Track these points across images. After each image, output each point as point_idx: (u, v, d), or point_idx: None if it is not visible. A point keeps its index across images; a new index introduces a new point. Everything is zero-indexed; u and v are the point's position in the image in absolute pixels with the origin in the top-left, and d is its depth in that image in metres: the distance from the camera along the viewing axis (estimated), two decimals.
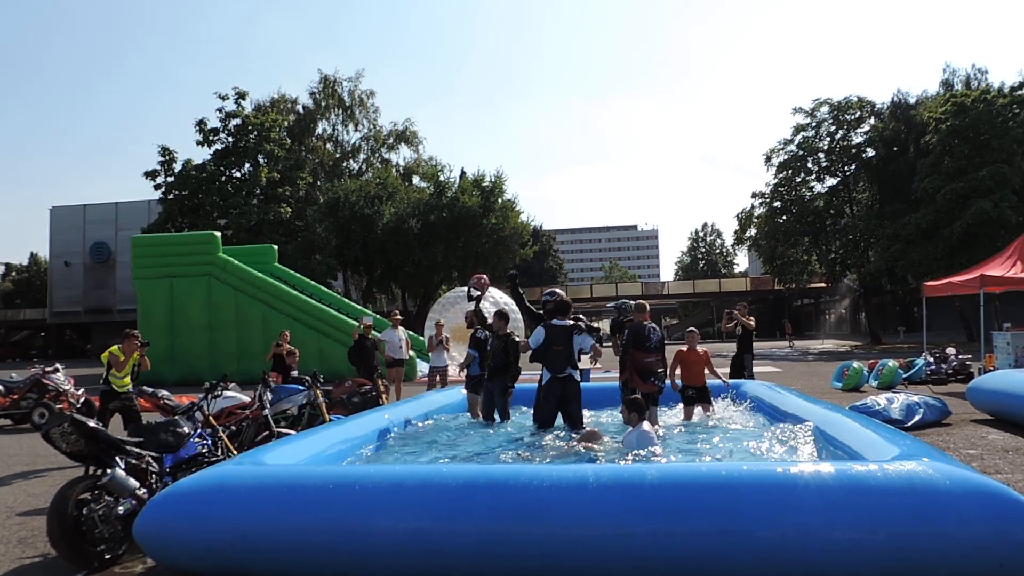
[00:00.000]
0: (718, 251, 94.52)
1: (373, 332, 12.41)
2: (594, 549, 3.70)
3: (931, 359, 15.29)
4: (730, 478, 3.83)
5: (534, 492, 3.88)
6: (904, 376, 14.48)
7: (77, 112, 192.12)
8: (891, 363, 14.75)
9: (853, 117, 38.78)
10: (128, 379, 8.34)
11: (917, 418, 9.27)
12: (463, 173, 44.38)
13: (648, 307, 7.77)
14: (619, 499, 3.79)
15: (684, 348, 8.38)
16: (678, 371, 7.79)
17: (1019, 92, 32.39)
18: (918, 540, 3.56)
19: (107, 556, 4.52)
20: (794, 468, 3.90)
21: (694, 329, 8.75)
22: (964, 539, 3.55)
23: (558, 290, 6.93)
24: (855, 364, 15.02)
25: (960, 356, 15.57)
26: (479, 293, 8.78)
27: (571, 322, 7.20)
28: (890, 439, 4.80)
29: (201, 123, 37.29)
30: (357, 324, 12.87)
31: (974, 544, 3.54)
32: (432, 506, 3.90)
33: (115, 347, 8.37)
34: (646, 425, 6.21)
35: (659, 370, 7.41)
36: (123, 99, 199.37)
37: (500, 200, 40.18)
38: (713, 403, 8.44)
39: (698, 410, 8.28)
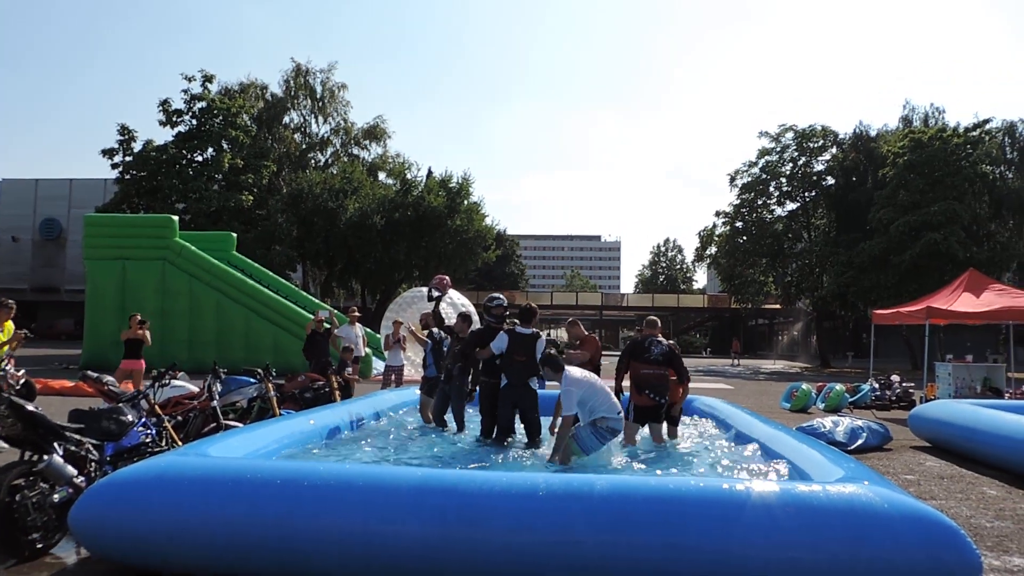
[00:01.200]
0: (678, 267, 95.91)
1: (326, 326, 12.08)
2: (540, 555, 3.72)
3: (876, 385, 15.73)
4: (677, 492, 3.89)
5: (484, 497, 3.87)
6: (850, 400, 14.85)
7: (34, 83, 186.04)
8: (838, 387, 15.12)
9: (816, 145, 39.75)
10: (3, 352, 7.92)
11: (860, 442, 9.51)
12: (430, 172, 44.23)
13: (659, 323, 7.77)
14: (567, 507, 3.81)
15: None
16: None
17: (973, 133, 33.62)
18: (855, 561, 3.64)
19: (39, 545, 4.36)
20: (740, 485, 3.96)
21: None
22: (899, 562, 3.65)
23: (501, 295, 6.87)
24: (804, 386, 15.35)
25: (904, 384, 16.06)
26: (439, 294, 8.72)
27: (534, 330, 7.25)
28: (834, 461, 4.92)
29: (165, 103, 36.46)
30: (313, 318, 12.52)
31: (908, 567, 3.64)
32: (380, 507, 3.87)
33: None
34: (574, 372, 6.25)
35: (657, 384, 7.26)
36: (85, 74, 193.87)
37: (466, 202, 40.14)
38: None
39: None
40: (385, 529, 3.80)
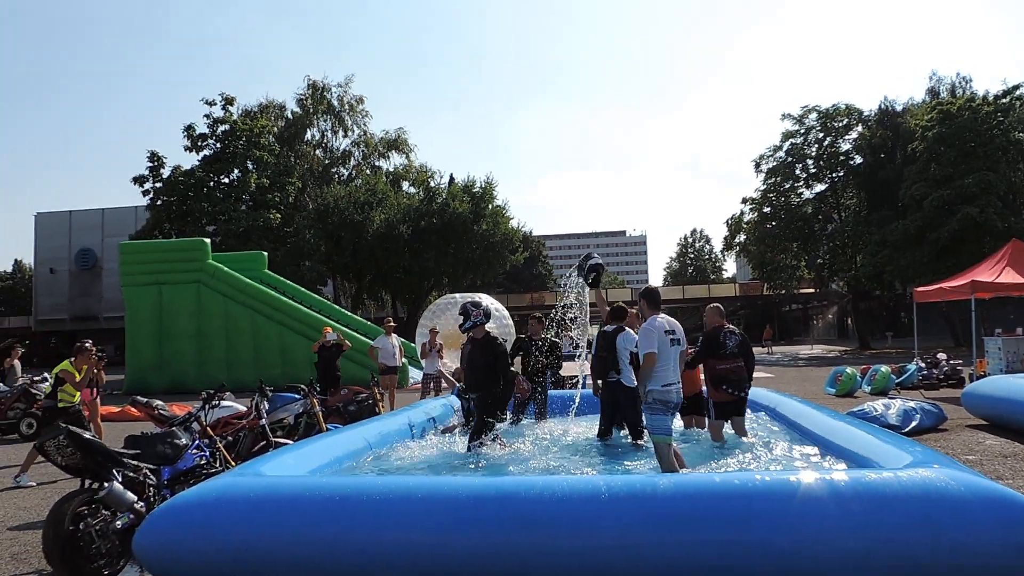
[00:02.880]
0: (707, 257, 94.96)
1: (330, 340, 12.19)
2: (605, 559, 3.64)
3: (923, 364, 15.35)
4: (743, 488, 3.79)
5: (544, 504, 3.81)
6: (896, 381, 14.52)
7: (63, 117, 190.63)
8: (884, 368, 14.80)
9: (841, 124, 39.07)
10: (78, 395, 8.10)
11: (914, 424, 9.29)
12: (452, 179, 44.29)
13: (721, 309, 7.43)
14: (631, 509, 3.73)
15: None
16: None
17: (1003, 100, 32.75)
18: (935, 549, 3.51)
19: (105, 572, 4.41)
20: (808, 477, 3.85)
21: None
22: (980, 547, 3.51)
23: (483, 301, 6.96)
24: (848, 370, 15.06)
25: (951, 361, 15.65)
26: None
27: (615, 327, 7.32)
28: (899, 446, 4.78)
29: (189, 128, 37.04)
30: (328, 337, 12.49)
31: (988, 551, 3.51)
32: (441, 517, 3.83)
33: (67, 363, 8.05)
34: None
35: (735, 378, 7.03)
36: (110, 104, 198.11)
37: (490, 206, 40.15)
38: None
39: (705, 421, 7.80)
40: (447, 540, 3.75)
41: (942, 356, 15.85)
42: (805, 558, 3.55)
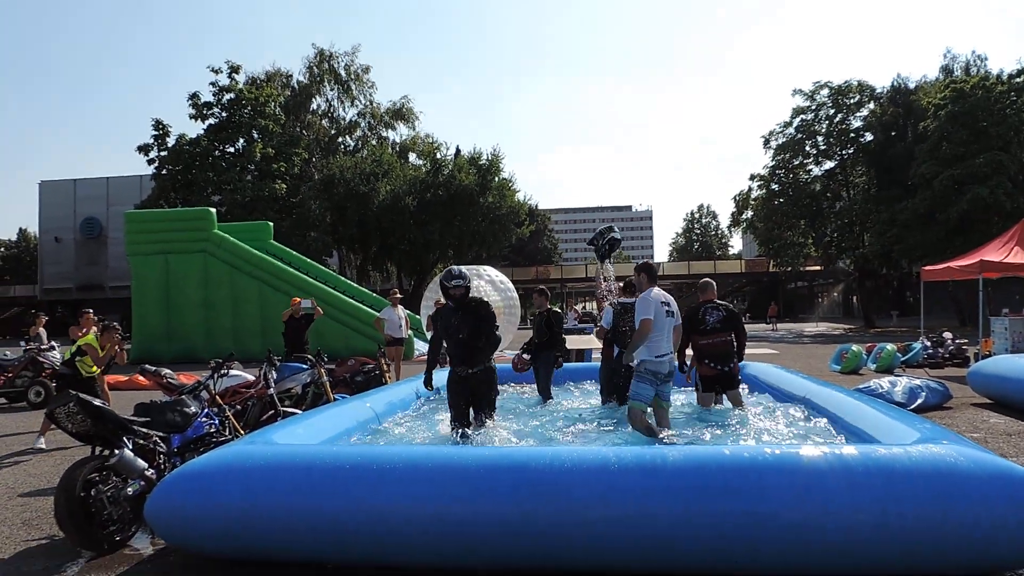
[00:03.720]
0: (713, 233, 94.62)
1: (305, 312, 11.37)
2: (615, 531, 3.67)
3: (928, 343, 15.31)
4: (753, 461, 3.79)
5: (554, 474, 3.82)
6: (902, 360, 14.50)
7: (67, 85, 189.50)
8: (889, 346, 14.77)
9: (852, 101, 38.60)
10: (97, 370, 8.13)
11: (920, 401, 9.29)
12: (458, 151, 44.03)
13: (713, 286, 7.50)
14: (641, 480, 3.75)
15: None
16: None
17: (1017, 80, 32.27)
18: (943, 524, 3.53)
19: (116, 538, 4.46)
20: (817, 450, 3.86)
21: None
22: (989, 522, 3.52)
23: (463, 269, 6.56)
24: (854, 347, 15.04)
25: (956, 340, 15.61)
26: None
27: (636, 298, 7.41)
28: (908, 422, 4.77)
29: (194, 97, 36.77)
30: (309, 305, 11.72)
31: (996, 527, 3.52)
32: (451, 487, 3.85)
33: (92, 337, 8.05)
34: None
35: (717, 352, 7.13)
36: (114, 73, 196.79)
37: (497, 179, 39.93)
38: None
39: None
40: (457, 509, 3.77)
41: (947, 335, 15.81)
42: (814, 531, 3.56)
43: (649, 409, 6.19)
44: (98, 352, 7.94)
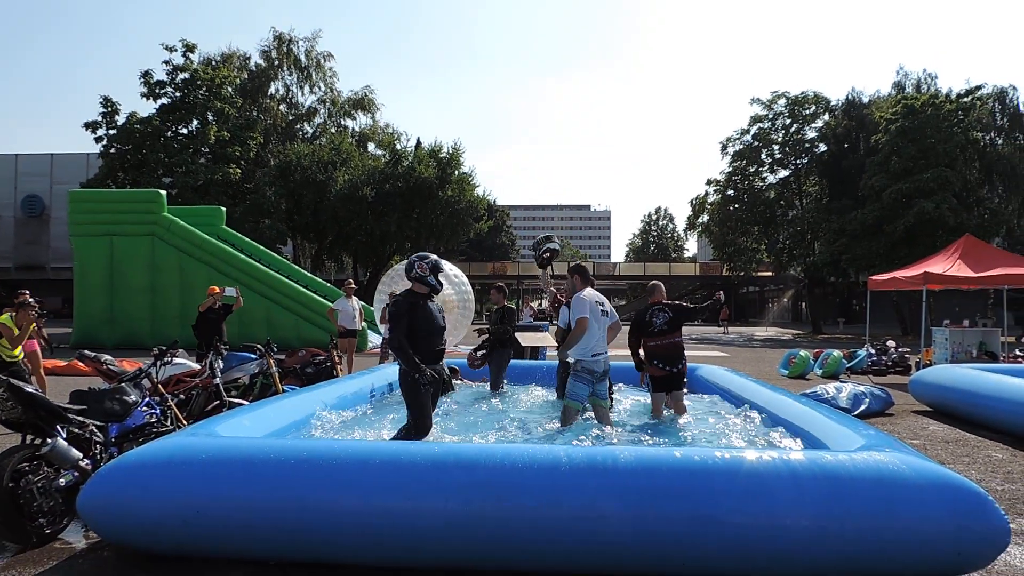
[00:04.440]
0: (669, 235, 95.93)
1: (225, 302, 10.60)
2: (565, 530, 3.65)
3: (872, 351, 15.77)
4: (703, 464, 3.81)
5: (504, 473, 3.78)
6: (847, 366, 14.90)
7: (10, 55, 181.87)
8: (836, 353, 15.15)
9: (808, 112, 39.52)
10: (19, 350, 7.80)
11: (863, 407, 9.52)
12: (419, 143, 43.65)
13: (660, 287, 7.59)
14: (591, 480, 3.74)
15: None
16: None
17: (965, 100, 33.47)
18: (885, 530, 3.60)
19: (47, 531, 4.26)
20: (766, 455, 3.90)
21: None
22: (928, 529, 3.61)
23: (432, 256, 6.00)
24: (801, 352, 15.38)
25: (899, 349, 16.11)
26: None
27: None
28: (853, 428, 4.87)
29: (147, 75, 35.61)
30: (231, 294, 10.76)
31: (936, 534, 3.61)
32: (399, 484, 3.77)
33: (6, 316, 7.74)
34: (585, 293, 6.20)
35: (665, 354, 7.22)
36: (62, 43, 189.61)
37: (457, 172, 39.70)
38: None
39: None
40: (405, 507, 3.71)
41: (891, 343, 16.31)
42: (760, 534, 3.60)
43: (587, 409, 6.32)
44: (13, 332, 7.59)
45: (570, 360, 6.24)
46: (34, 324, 7.78)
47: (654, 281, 7.83)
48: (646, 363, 7.39)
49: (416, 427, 5.53)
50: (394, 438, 5.58)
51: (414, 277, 5.74)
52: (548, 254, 9.07)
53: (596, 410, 6.36)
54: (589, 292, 6.23)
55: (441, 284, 5.78)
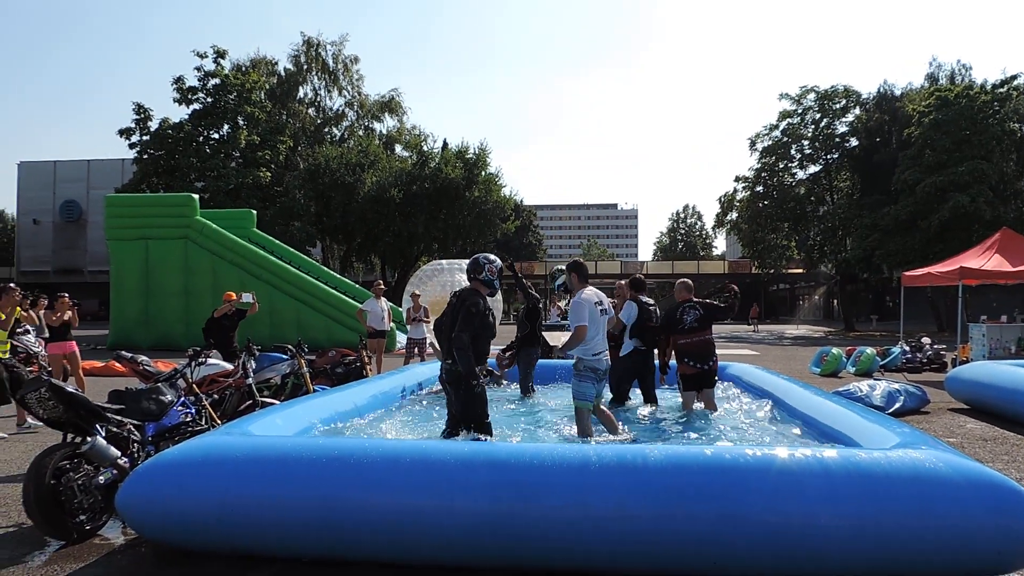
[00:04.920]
0: (697, 233, 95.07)
1: (240, 307, 10.23)
2: (594, 530, 3.64)
3: (907, 348, 15.48)
4: (734, 462, 3.77)
5: (534, 472, 3.79)
6: (881, 363, 14.64)
7: (48, 65, 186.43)
8: (869, 350, 14.90)
9: (838, 106, 38.86)
10: (5, 336, 7.88)
11: (897, 405, 9.36)
12: (446, 144, 43.86)
13: (691, 285, 7.62)
14: (621, 480, 3.72)
15: None
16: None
17: (1000, 90, 32.64)
18: (922, 529, 3.53)
19: (87, 527, 4.36)
20: (799, 453, 3.84)
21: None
22: (967, 529, 3.53)
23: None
24: (834, 350, 15.16)
25: (935, 346, 15.79)
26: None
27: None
28: (887, 427, 4.79)
29: (179, 81, 36.30)
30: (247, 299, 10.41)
31: (974, 533, 3.53)
32: (429, 483, 3.80)
33: None
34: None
35: (696, 351, 7.21)
36: (96, 53, 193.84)
37: (483, 173, 39.81)
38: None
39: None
40: (435, 505, 3.73)
41: (926, 340, 15.99)
42: (793, 533, 3.55)
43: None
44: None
45: (572, 359, 6.25)
46: (18, 310, 7.86)
47: (683, 279, 7.83)
48: (677, 360, 7.36)
49: (483, 428, 5.56)
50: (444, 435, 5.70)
51: (483, 280, 5.72)
52: (563, 288, 9.17)
53: (596, 409, 6.33)
54: (588, 293, 6.18)
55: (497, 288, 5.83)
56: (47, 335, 9.56)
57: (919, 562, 3.56)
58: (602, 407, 6.39)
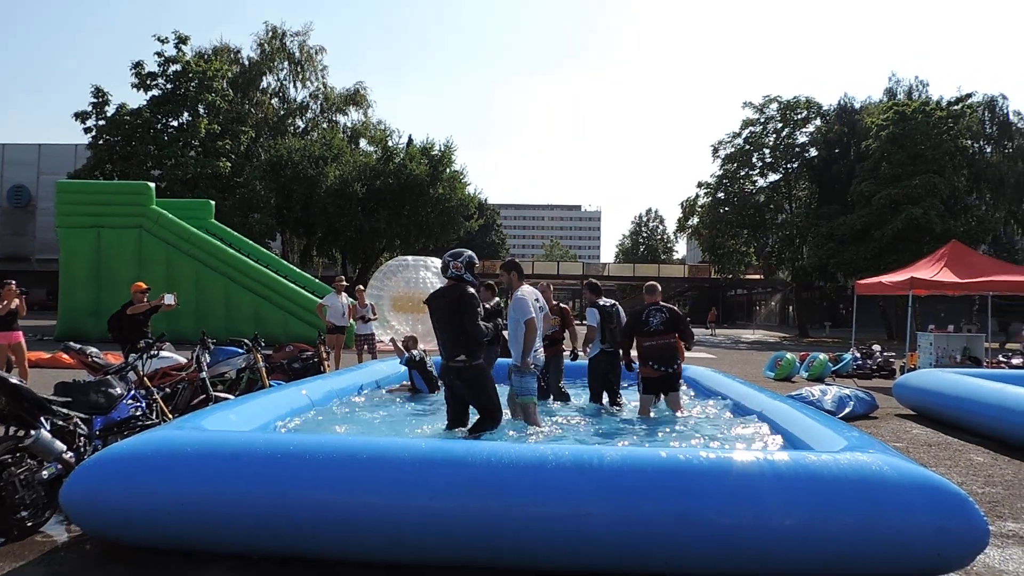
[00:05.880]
0: (659, 237, 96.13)
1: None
2: (550, 528, 3.65)
3: (858, 355, 15.89)
4: (688, 464, 3.82)
5: (491, 470, 3.79)
6: (833, 369, 15.00)
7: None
8: (821, 356, 15.25)
9: (800, 116, 39.73)
10: None
11: (847, 410, 9.59)
12: (411, 140, 43.58)
13: (658, 289, 7.65)
14: (576, 479, 3.75)
15: None
16: (633, 352, 7.78)
17: (955, 107, 33.76)
18: (868, 531, 3.62)
19: (28, 524, 4.21)
20: (751, 455, 3.92)
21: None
22: (910, 530, 3.64)
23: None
24: (788, 355, 15.47)
25: (884, 353, 16.24)
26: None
27: (609, 302, 8.28)
28: (837, 430, 4.91)
29: (138, 66, 35.36)
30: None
31: (917, 534, 3.64)
32: (385, 480, 3.77)
33: None
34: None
35: (660, 354, 7.24)
36: (51, 34, 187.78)
37: (448, 170, 39.66)
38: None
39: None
40: (390, 503, 3.70)
41: (876, 348, 16.45)
42: (744, 534, 3.62)
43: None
44: None
45: (516, 357, 6.32)
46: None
47: (652, 282, 7.86)
48: (641, 363, 7.38)
49: (496, 419, 5.78)
50: (471, 430, 5.82)
51: (451, 276, 5.75)
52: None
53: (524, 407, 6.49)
54: (526, 290, 6.39)
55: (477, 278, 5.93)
56: None
57: (865, 562, 3.65)
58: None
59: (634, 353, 7.61)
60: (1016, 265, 20.60)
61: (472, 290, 5.66)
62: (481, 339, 5.55)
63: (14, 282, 8.97)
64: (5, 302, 8.50)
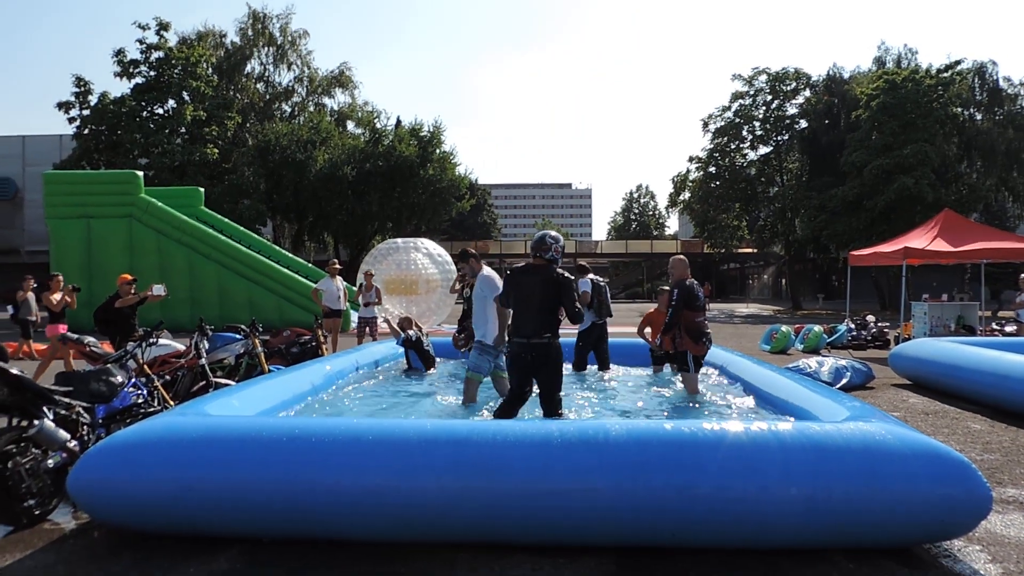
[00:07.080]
0: (651, 213, 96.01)
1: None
2: (556, 504, 3.68)
3: (852, 326, 15.97)
4: (692, 437, 3.85)
5: (496, 448, 3.80)
6: (828, 341, 15.08)
7: None
8: (816, 328, 15.33)
9: (789, 88, 39.51)
10: None
11: (844, 381, 9.66)
12: (399, 122, 43.21)
13: (687, 261, 7.28)
14: (582, 454, 3.77)
15: (653, 309, 8.86)
16: (647, 330, 7.87)
17: (944, 75, 33.62)
18: (871, 499, 3.66)
19: (36, 512, 4.22)
20: (755, 427, 3.94)
21: (667, 288, 8.00)
22: (913, 498, 3.68)
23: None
24: (783, 328, 15.55)
25: (879, 324, 16.33)
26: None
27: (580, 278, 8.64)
28: (838, 401, 4.94)
29: (120, 53, 34.84)
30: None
31: (920, 501, 3.68)
32: (391, 461, 3.78)
33: None
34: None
35: (708, 330, 7.06)
36: (31, 23, 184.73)
37: (438, 151, 39.39)
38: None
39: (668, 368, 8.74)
40: (397, 484, 3.72)
41: (871, 318, 16.51)
42: (750, 504, 3.65)
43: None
44: None
45: (485, 337, 6.38)
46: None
47: (680, 256, 7.39)
48: (689, 341, 6.94)
49: (560, 398, 5.76)
50: (497, 412, 5.76)
51: (548, 257, 5.65)
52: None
53: (498, 381, 6.54)
54: (490, 271, 6.61)
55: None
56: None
57: (869, 530, 3.70)
58: (503, 379, 6.43)
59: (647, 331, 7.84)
60: (1008, 232, 20.70)
61: (567, 273, 5.73)
62: (580, 319, 5.87)
63: (61, 276, 8.88)
64: (60, 295, 8.26)
